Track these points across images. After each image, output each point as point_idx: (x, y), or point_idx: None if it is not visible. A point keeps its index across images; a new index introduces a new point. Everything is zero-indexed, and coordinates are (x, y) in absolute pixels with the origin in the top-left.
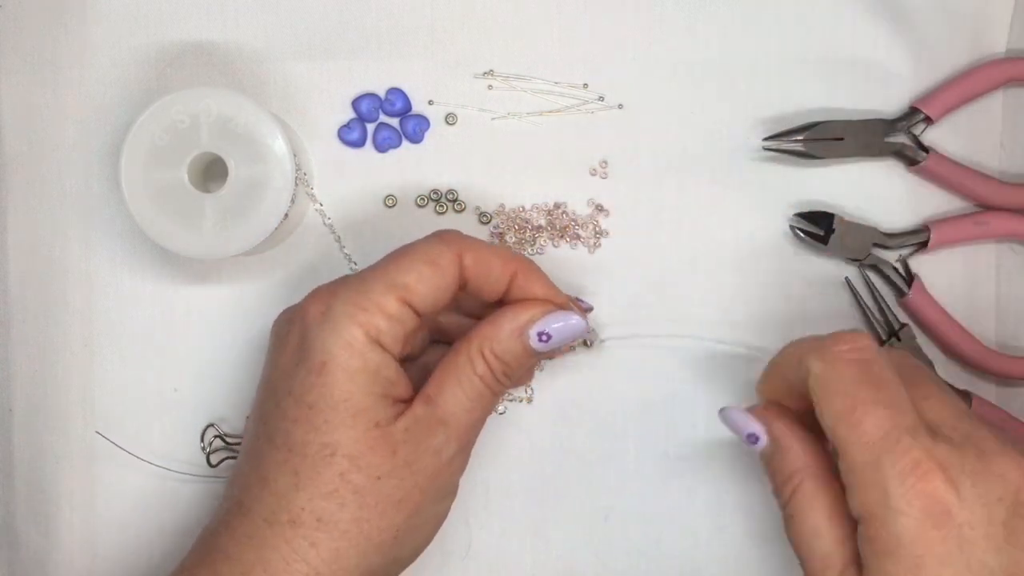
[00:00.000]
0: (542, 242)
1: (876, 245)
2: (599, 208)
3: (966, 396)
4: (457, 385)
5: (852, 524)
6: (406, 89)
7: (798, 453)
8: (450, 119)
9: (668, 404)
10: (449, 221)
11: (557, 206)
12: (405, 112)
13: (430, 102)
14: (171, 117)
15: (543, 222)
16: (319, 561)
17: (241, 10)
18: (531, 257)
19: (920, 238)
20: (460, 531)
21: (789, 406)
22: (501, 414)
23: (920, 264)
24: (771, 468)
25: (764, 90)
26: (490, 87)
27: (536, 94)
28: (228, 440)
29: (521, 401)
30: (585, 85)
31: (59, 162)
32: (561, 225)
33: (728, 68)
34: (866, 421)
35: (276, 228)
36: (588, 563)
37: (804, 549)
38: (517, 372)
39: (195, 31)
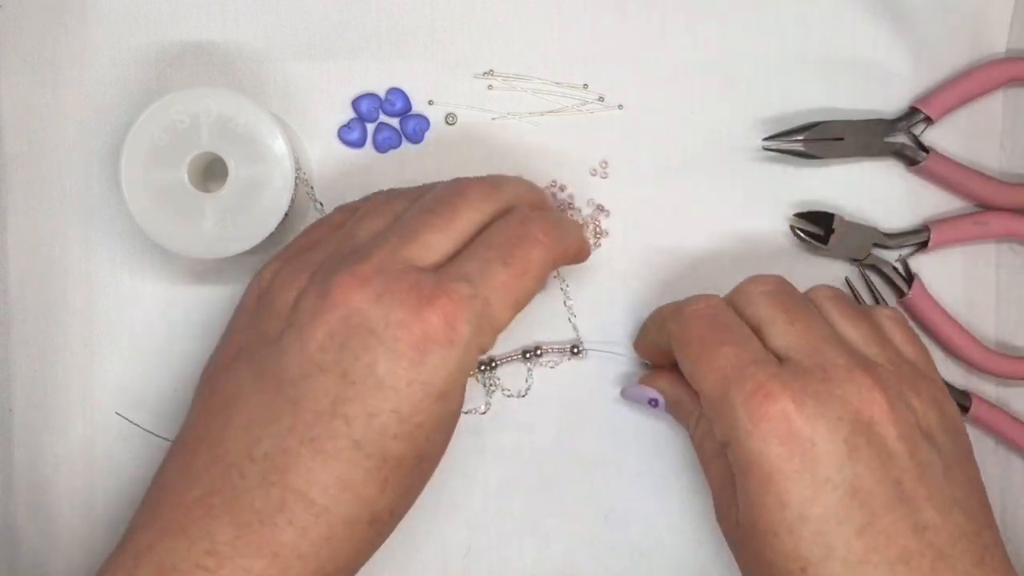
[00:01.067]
0: None
1: (876, 245)
2: (599, 208)
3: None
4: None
5: None
6: (406, 89)
7: (688, 396)
8: (450, 119)
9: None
10: None
11: (557, 206)
12: (405, 112)
13: (430, 102)
14: (171, 117)
15: None
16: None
17: (241, 10)
18: None
19: (920, 238)
20: (460, 532)
21: (659, 363)
22: (483, 414)
23: (920, 264)
24: (677, 418)
25: (764, 90)
26: (490, 87)
27: (536, 94)
28: None
29: (510, 396)
30: (585, 85)
31: (59, 162)
32: None
33: (728, 68)
34: (715, 359)
35: (276, 228)
36: (588, 563)
37: (707, 474)
38: None
39: (195, 31)
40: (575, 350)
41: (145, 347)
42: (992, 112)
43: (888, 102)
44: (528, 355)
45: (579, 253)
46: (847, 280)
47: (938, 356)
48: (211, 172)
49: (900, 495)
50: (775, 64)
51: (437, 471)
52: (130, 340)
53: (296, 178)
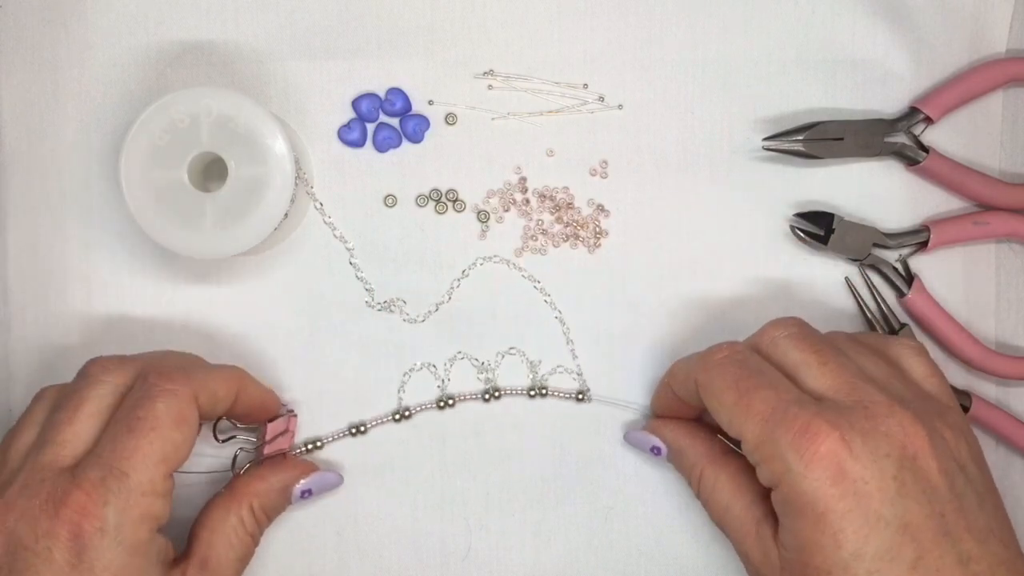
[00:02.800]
0: (543, 242)
1: (876, 245)
2: (599, 208)
3: (966, 396)
4: (229, 545)
5: (753, 491)
6: (406, 89)
7: (692, 448)
8: (450, 119)
9: None
10: (449, 220)
11: (557, 206)
12: (405, 112)
13: (430, 102)
14: (171, 117)
15: (544, 222)
16: None
17: (241, 10)
18: (532, 257)
19: (920, 238)
20: (460, 532)
21: (680, 416)
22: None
23: (920, 264)
24: (678, 469)
25: (764, 90)
26: (490, 87)
27: (536, 94)
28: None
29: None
30: (585, 85)
31: (59, 162)
32: (561, 225)
33: (728, 68)
34: (754, 403)
35: (276, 228)
36: (588, 563)
37: (723, 523)
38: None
39: (195, 31)
40: (580, 397)
41: (145, 347)
42: (992, 112)
43: (888, 102)
44: (533, 394)
45: (229, 388)
46: (847, 280)
47: (938, 356)
48: (211, 172)
49: (945, 528)
50: (775, 64)
51: (437, 471)
52: (130, 340)
53: (296, 178)
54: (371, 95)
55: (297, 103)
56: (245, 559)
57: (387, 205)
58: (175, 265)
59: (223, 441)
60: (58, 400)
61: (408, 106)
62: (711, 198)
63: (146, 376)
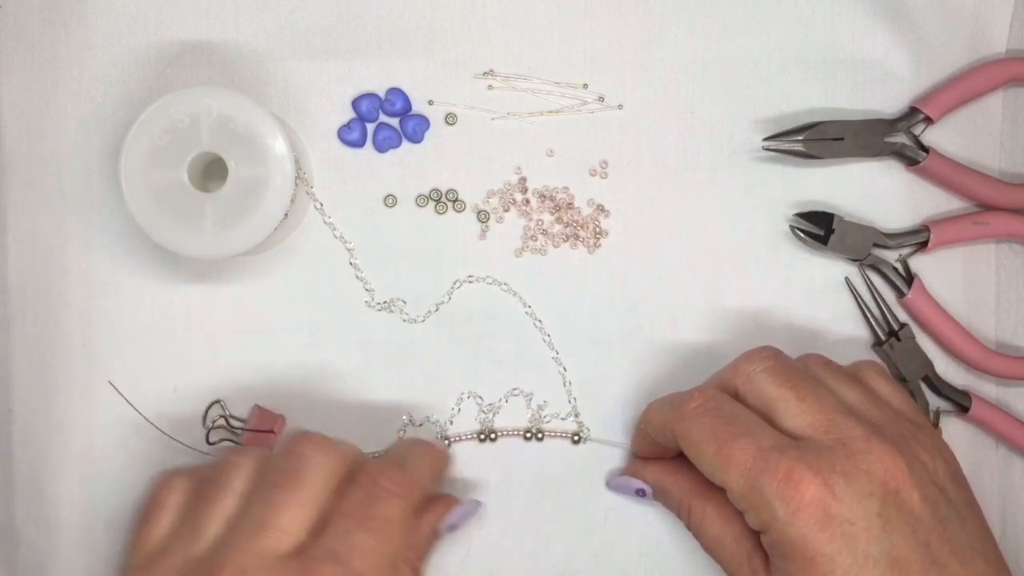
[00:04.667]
0: (543, 242)
1: (876, 245)
2: (599, 208)
3: (966, 396)
4: None
5: (741, 523)
6: (406, 89)
7: (676, 485)
8: (450, 119)
9: None
10: (449, 221)
11: (557, 207)
12: (405, 112)
13: (430, 102)
14: (171, 117)
15: (544, 222)
16: None
17: (241, 10)
18: (533, 257)
19: (920, 238)
20: (460, 532)
21: (661, 456)
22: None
23: (920, 264)
24: (665, 506)
25: (764, 90)
26: (490, 87)
27: (536, 94)
28: (232, 422)
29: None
30: (585, 85)
31: (59, 162)
32: (561, 225)
33: (728, 68)
34: (734, 453)
35: (276, 228)
36: (588, 563)
37: (714, 554)
38: None
39: (195, 31)
40: (576, 439)
41: (145, 347)
42: (992, 112)
43: (888, 102)
44: (529, 437)
45: (438, 474)
46: (847, 280)
47: (938, 356)
48: (211, 172)
49: (931, 557)
50: (775, 64)
51: None
52: (130, 340)
53: (296, 178)
54: (371, 95)
55: (297, 103)
56: None
57: (387, 205)
58: (175, 265)
59: (213, 444)
60: (270, 479)
61: (408, 106)
62: (711, 198)
63: (373, 476)
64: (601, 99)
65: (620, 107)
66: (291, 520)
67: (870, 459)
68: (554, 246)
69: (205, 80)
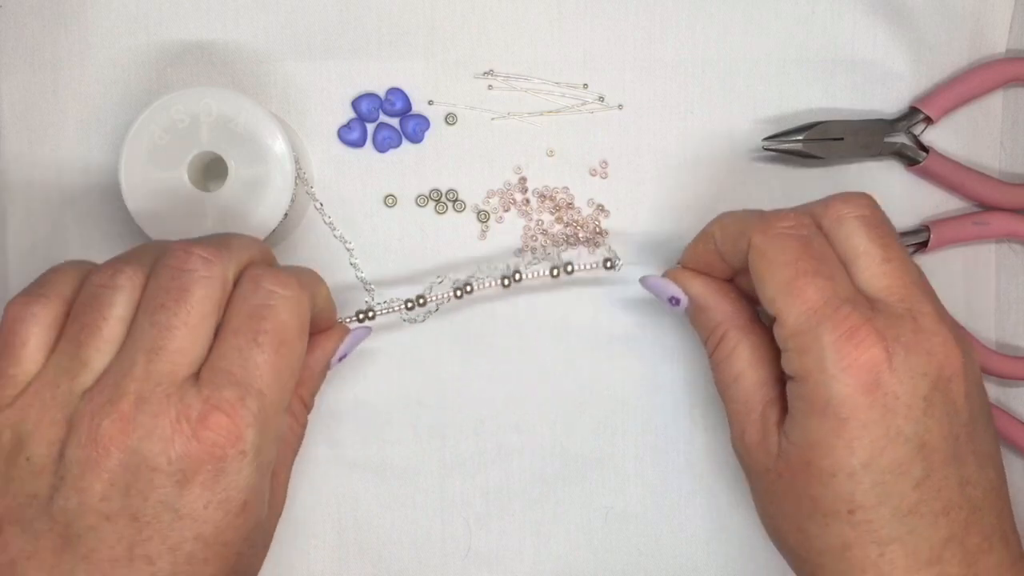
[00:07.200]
0: (543, 242)
1: None
2: (599, 208)
3: None
4: (291, 448)
5: (770, 370)
6: (406, 89)
7: (719, 307)
8: (450, 119)
9: (668, 404)
10: (449, 221)
11: (557, 206)
12: (405, 112)
13: (430, 102)
14: (171, 117)
15: (544, 222)
16: None
17: (241, 10)
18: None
19: (920, 238)
20: (460, 532)
21: (710, 273)
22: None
23: (920, 264)
24: (696, 325)
25: (764, 90)
26: (490, 87)
27: (536, 94)
28: None
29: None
30: (585, 85)
31: (59, 162)
32: (561, 225)
33: (728, 68)
34: (808, 290)
35: (276, 228)
36: (588, 563)
37: (728, 393)
38: None
39: (195, 31)
40: (608, 264)
41: None
42: (992, 112)
43: (888, 102)
44: (556, 274)
45: (326, 301)
46: None
47: None
48: (211, 172)
49: (956, 451)
50: (775, 64)
51: (437, 472)
52: None
53: (296, 178)
54: (371, 95)
55: (297, 103)
56: (298, 449)
57: (387, 205)
58: None
59: None
60: (155, 301)
61: (408, 106)
62: (711, 198)
63: (258, 279)
64: (601, 99)
65: (620, 107)
66: (184, 340)
67: (934, 341)
68: (554, 246)
69: (205, 80)
